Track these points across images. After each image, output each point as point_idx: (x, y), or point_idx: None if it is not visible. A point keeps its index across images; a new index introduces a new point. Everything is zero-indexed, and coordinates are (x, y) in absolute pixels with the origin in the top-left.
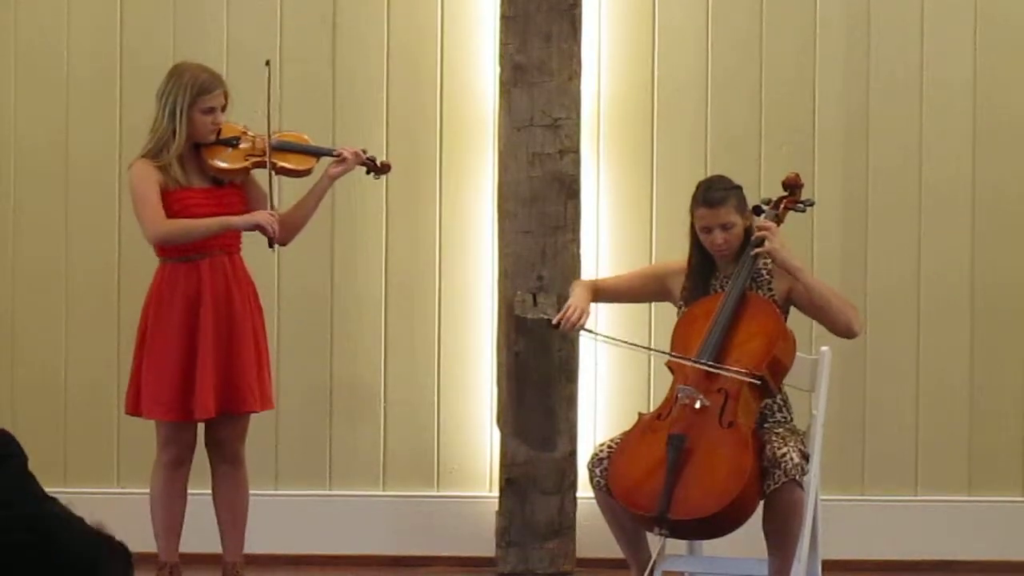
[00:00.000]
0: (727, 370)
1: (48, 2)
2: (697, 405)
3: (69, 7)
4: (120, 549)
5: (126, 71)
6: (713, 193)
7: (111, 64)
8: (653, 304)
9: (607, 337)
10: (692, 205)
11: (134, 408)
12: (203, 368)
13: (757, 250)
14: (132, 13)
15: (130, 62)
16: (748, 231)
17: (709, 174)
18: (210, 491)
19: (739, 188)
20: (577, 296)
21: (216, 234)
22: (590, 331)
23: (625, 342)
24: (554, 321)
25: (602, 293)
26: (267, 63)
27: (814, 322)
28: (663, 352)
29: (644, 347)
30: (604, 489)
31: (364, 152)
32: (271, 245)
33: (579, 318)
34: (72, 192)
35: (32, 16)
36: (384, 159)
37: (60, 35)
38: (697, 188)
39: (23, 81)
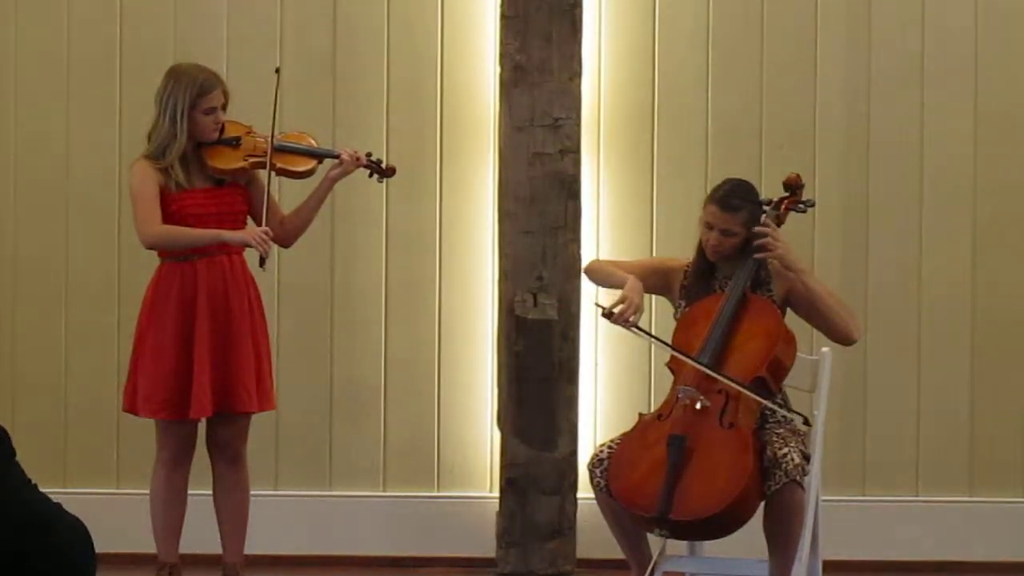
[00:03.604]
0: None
1: (48, 3)
2: (698, 406)
3: (69, 9)
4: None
5: (126, 73)
6: (732, 199)
7: (111, 67)
8: (655, 298)
9: (655, 338)
10: (708, 197)
11: (131, 406)
12: (199, 367)
13: (762, 255)
14: (131, 14)
15: (130, 64)
16: (748, 238)
17: (709, 174)
18: (210, 491)
19: (759, 204)
20: (633, 290)
21: (207, 245)
22: (641, 330)
23: (671, 346)
24: (605, 311)
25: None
26: (276, 71)
27: None
28: (699, 364)
29: (687, 355)
30: (604, 490)
31: (369, 155)
32: (262, 264)
33: (634, 314)
34: (72, 192)
35: (32, 18)
36: (389, 163)
37: (60, 38)
38: (721, 183)
39: (23, 84)
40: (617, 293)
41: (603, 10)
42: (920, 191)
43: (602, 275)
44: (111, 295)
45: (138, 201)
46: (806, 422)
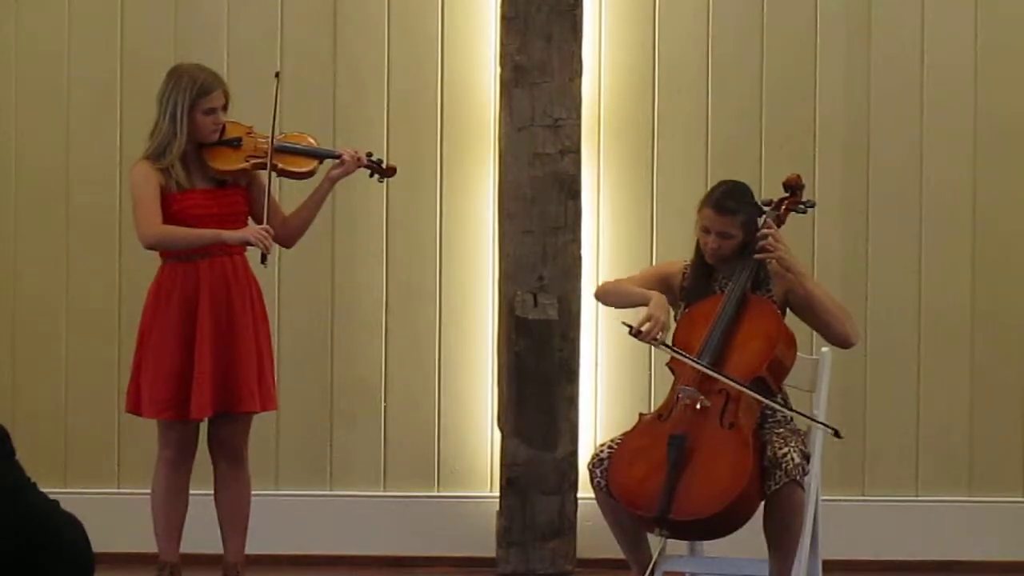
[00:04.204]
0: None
1: (49, 7)
2: (698, 406)
3: (70, 10)
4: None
5: (127, 74)
6: (727, 202)
7: (111, 68)
8: None
9: (683, 354)
10: (703, 201)
11: (134, 406)
12: (200, 367)
13: (763, 256)
14: (132, 16)
15: (131, 65)
16: (748, 240)
17: (709, 174)
18: (211, 491)
19: (755, 205)
20: (658, 307)
21: (207, 245)
22: (668, 346)
23: (693, 359)
24: (633, 330)
25: None
26: (276, 75)
27: None
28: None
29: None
30: (605, 490)
31: (370, 155)
32: (263, 260)
33: (660, 331)
34: (73, 191)
35: (33, 21)
36: (390, 163)
37: (61, 39)
38: (716, 187)
39: (24, 85)
40: (638, 310)
41: (603, 10)
42: (920, 191)
43: (620, 295)
44: (112, 295)
45: (138, 201)
46: (836, 434)
